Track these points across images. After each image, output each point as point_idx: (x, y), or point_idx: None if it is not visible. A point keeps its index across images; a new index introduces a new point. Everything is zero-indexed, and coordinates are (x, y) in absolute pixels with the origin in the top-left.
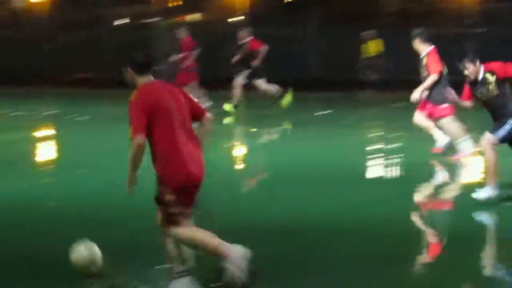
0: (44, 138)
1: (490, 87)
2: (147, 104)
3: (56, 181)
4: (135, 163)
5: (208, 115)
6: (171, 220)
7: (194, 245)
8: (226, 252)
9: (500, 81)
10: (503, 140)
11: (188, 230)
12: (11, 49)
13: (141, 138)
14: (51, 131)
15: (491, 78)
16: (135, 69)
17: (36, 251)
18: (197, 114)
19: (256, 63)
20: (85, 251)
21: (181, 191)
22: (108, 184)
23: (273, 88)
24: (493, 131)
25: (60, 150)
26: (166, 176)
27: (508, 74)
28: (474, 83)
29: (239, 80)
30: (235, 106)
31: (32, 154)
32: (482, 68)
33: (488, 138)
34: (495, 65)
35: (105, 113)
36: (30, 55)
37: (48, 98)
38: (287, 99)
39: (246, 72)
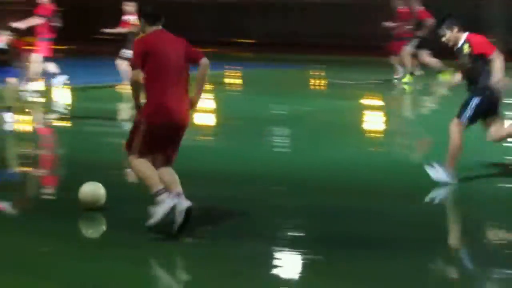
0: (372, 107)
1: (464, 58)
2: (144, 47)
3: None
4: (134, 93)
5: (204, 59)
6: (130, 147)
7: (138, 176)
8: (157, 194)
9: (474, 55)
10: (472, 120)
11: (139, 162)
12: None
13: (136, 73)
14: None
15: (466, 50)
16: (145, 19)
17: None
18: (193, 58)
19: (421, 33)
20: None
21: (154, 129)
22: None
23: (434, 62)
24: (459, 114)
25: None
26: (147, 111)
27: (482, 51)
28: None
29: (407, 50)
30: (411, 74)
31: (360, 121)
32: (464, 36)
33: (455, 122)
34: (476, 38)
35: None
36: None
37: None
38: (446, 76)
39: (414, 42)
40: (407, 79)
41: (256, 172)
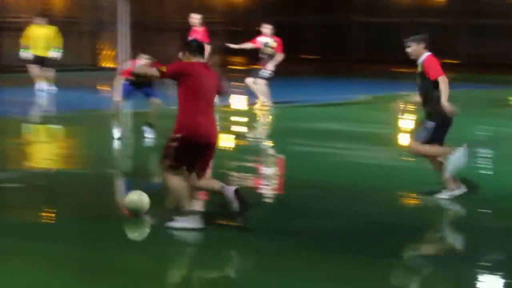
0: None
1: (417, 77)
2: (183, 68)
3: None
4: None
5: (223, 90)
6: (163, 163)
7: (172, 189)
8: (185, 211)
9: (423, 76)
10: (429, 141)
11: (174, 179)
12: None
13: (162, 74)
14: None
15: (419, 69)
16: (190, 52)
17: None
18: (219, 91)
19: None
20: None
21: (186, 143)
22: None
23: None
24: (415, 136)
25: None
26: (178, 126)
27: (428, 73)
28: None
29: None
30: None
31: None
32: (424, 56)
33: (413, 144)
34: (430, 61)
35: None
36: None
37: None
38: None
39: None
40: None
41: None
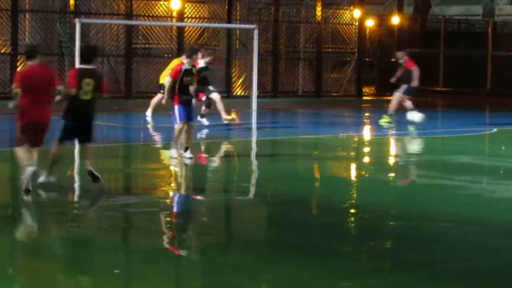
0: None
1: None
2: (21, 77)
3: None
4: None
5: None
6: (15, 141)
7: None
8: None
9: None
10: None
11: (18, 150)
12: None
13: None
14: None
15: None
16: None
17: None
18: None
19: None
20: None
21: (26, 127)
22: None
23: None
24: None
25: None
26: (20, 117)
27: None
28: None
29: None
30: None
31: None
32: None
33: None
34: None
35: None
36: None
37: None
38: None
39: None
40: None
41: None
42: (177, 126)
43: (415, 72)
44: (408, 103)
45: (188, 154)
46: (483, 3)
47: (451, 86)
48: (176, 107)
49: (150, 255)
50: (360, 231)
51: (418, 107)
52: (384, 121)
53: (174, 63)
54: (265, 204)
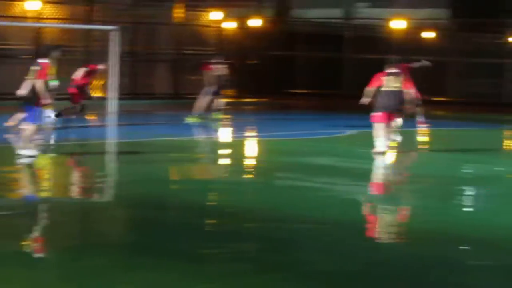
0: None
1: None
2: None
3: None
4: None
5: None
6: None
7: None
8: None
9: None
10: None
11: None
12: None
13: None
14: None
15: None
16: None
17: None
18: None
19: None
20: None
21: None
22: None
23: None
24: None
25: None
26: None
27: None
28: None
29: None
30: None
31: None
32: None
33: None
34: None
35: None
36: None
37: None
38: None
39: None
40: None
41: (440, 231)
42: (31, 127)
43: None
44: (215, 104)
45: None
46: (343, 6)
47: (309, 89)
48: (36, 109)
49: (2, 260)
50: (221, 233)
51: (278, 109)
52: (191, 120)
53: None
54: (123, 207)
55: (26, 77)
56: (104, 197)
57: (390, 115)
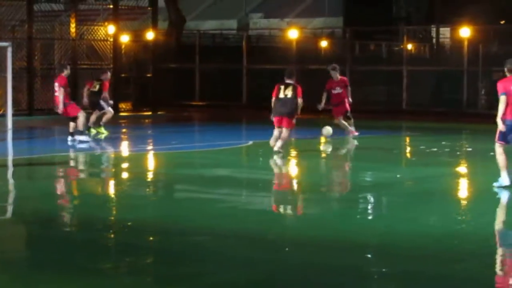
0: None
1: None
2: None
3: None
4: None
5: None
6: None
7: None
8: None
9: None
10: None
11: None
12: None
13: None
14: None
15: None
16: None
17: None
18: None
19: None
20: None
21: None
22: None
23: None
24: None
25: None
26: None
27: None
28: None
29: None
30: None
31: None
32: None
33: None
34: None
35: None
36: None
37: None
38: None
39: None
40: None
41: (340, 239)
42: None
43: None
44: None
45: None
46: (237, 17)
47: (207, 100)
48: None
49: None
50: (120, 247)
51: (177, 121)
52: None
53: None
54: (21, 223)
55: None
56: (3, 214)
57: (283, 119)
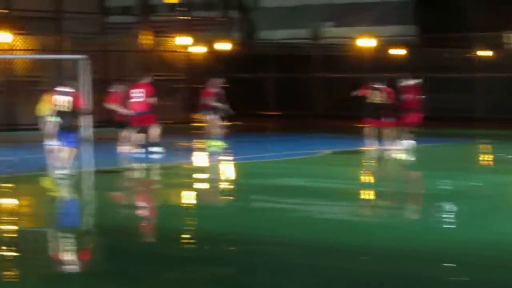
0: None
1: None
2: None
3: None
4: None
5: None
6: None
7: None
8: None
9: None
10: None
11: None
12: None
13: None
14: None
15: None
16: None
17: None
18: None
19: None
20: None
21: None
22: None
23: None
24: None
25: None
26: None
27: None
28: None
29: None
30: None
31: None
32: None
33: None
34: None
35: None
36: None
37: None
38: None
39: None
40: None
41: (417, 248)
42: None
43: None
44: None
45: None
46: (309, 26)
47: (280, 110)
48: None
49: None
50: (197, 257)
51: (250, 131)
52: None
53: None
54: (94, 235)
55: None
56: (77, 225)
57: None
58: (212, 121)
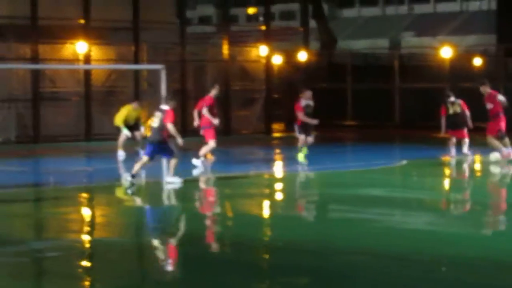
0: None
1: None
2: None
3: None
4: None
5: None
6: None
7: None
8: None
9: None
10: None
11: None
12: None
13: None
14: None
15: None
16: None
17: None
18: None
19: None
20: None
21: None
22: None
23: None
24: None
25: None
26: None
27: None
28: None
29: None
30: None
31: None
32: None
33: None
34: None
35: None
36: None
37: None
38: None
39: None
40: None
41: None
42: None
43: None
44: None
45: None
46: (389, 36)
47: (359, 120)
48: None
49: None
50: (276, 267)
51: (330, 141)
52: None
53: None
54: (182, 245)
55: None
56: (158, 235)
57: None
58: (301, 137)
